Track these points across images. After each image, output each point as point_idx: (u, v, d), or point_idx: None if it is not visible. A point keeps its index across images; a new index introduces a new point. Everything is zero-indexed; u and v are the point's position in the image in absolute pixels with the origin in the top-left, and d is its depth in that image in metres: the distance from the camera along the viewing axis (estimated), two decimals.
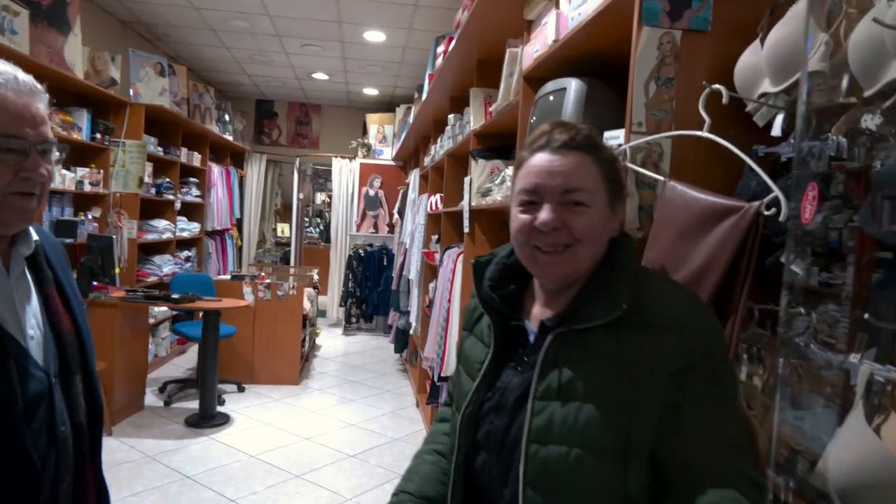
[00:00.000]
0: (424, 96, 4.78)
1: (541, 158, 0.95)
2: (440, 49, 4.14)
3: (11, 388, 0.93)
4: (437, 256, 4.22)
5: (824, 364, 0.89)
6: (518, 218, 0.95)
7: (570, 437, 0.87)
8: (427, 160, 5.29)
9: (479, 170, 2.92)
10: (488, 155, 2.91)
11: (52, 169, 1.02)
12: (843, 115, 1.00)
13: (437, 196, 4.48)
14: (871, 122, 0.99)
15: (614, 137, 1.60)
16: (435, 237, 4.60)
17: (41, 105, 0.99)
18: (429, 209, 4.76)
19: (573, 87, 1.85)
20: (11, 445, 0.92)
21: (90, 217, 4.75)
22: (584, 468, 0.85)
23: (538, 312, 1.00)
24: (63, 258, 1.17)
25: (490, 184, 2.72)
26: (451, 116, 3.85)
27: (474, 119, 3.07)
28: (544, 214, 0.91)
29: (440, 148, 4.41)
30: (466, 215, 3.15)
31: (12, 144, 0.93)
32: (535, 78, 2.18)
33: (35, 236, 1.07)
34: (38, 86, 1.00)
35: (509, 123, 2.68)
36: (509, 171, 2.48)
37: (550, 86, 2.02)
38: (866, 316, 0.81)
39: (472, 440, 1.00)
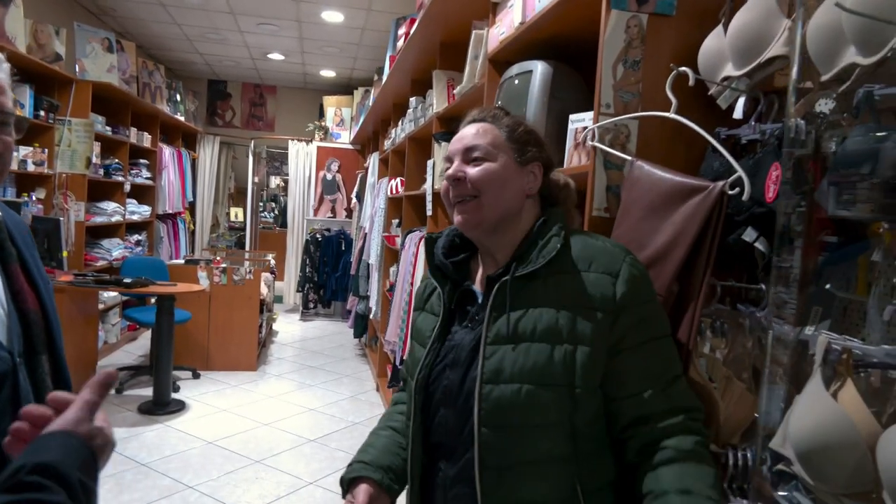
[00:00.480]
0: (384, 79, 4.73)
1: (458, 134, 1.14)
2: (401, 31, 4.10)
3: None
4: (398, 240, 4.21)
5: (780, 336, 0.93)
6: (443, 185, 1.12)
7: (521, 375, 0.97)
8: (387, 144, 5.25)
9: (442, 153, 2.91)
10: (451, 137, 2.90)
11: (12, 141, 0.97)
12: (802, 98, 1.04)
13: (398, 180, 4.45)
14: (824, 106, 1.03)
15: (580, 120, 1.62)
16: (396, 221, 4.58)
17: (1, 75, 0.94)
18: (389, 193, 4.73)
19: (539, 69, 1.87)
20: None
21: (34, 198, 4.54)
22: (534, 402, 0.96)
23: (483, 275, 1.12)
24: (27, 236, 1.13)
25: None
26: (412, 99, 3.83)
27: (437, 102, 3.06)
28: (449, 171, 1.09)
29: (401, 131, 4.38)
30: (430, 198, 3.14)
31: None
32: (501, 61, 2.18)
33: None
34: None
35: (474, 106, 2.68)
36: None
37: (516, 69, 2.03)
38: (828, 286, 0.85)
39: (427, 402, 1.08)
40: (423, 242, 3.28)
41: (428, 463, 1.09)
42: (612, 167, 1.33)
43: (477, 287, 1.12)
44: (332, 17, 5.60)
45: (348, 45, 6.54)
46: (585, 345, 0.97)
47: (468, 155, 1.08)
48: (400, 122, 4.44)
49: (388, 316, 4.19)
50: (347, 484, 1.14)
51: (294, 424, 4.07)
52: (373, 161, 5.92)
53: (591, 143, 1.33)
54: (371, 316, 5.35)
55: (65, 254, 4.21)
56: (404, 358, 1.30)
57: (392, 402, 1.33)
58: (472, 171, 1.06)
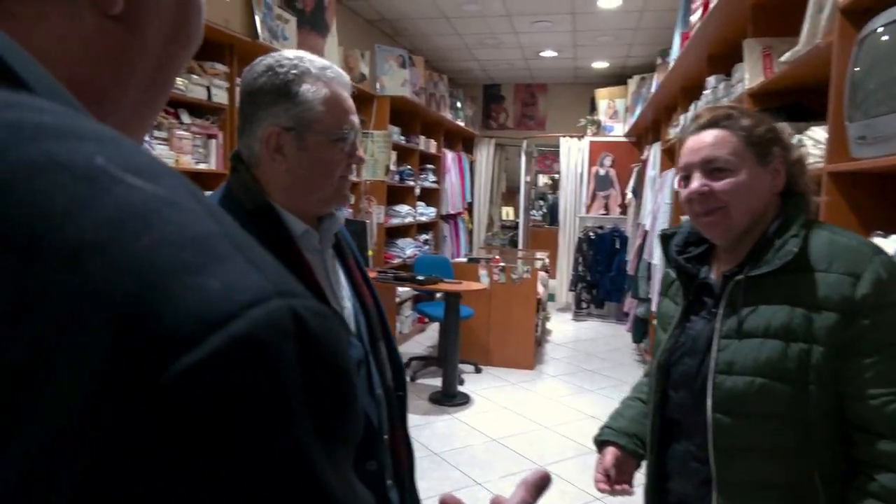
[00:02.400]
0: (672, 61, 4.30)
1: (690, 141, 1.15)
2: (695, 3, 3.65)
3: None
4: None
5: None
6: (681, 192, 1.17)
7: (754, 368, 1.03)
8: (672, 132, 4.78)
9: None
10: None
11: None
12: None
13: None
14: None
15: None
16: (684, 217, 4.12)
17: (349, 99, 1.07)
18: (676, 186, 4.28)
19: None
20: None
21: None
22: (766, 394, 1.02)
23: (720, 268, 1.18)
24: (349, 235, 1.24)
25: None
26: (710, 79, 3.36)
27: (750, 76, 2.59)
28: (693, 184, 1.12)
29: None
30: None
31: (346, 135, 1.03)
32: (859, 10, 1.70)
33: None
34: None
35: (806, 76, 2.19)
36: (812, 133, 2.01)
37: (885, 17, 1.56)
38: None
39: (666, 382, 1.20)
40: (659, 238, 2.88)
41: (665, 436, 1.21)
42: None
43: (714, 278, 1.18)
44: (609, 2, 5.32)
45: (624, 31, 6.18)
46: (820, 344, 1.00)
47: (708, 167, 1.11)
48: (692, 106, 3.98)
49: None
50: (599, 445, 1.33)
51: (575, 431, 3.93)
52: (653, 152, 5.48)
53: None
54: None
55: (370, 252, 4.71)
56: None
57: (644, 374, 1.45)
58: (718, 184, 1.09)
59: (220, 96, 3.39)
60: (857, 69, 1.67)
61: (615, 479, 1.27)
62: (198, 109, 3.34)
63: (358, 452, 0.99)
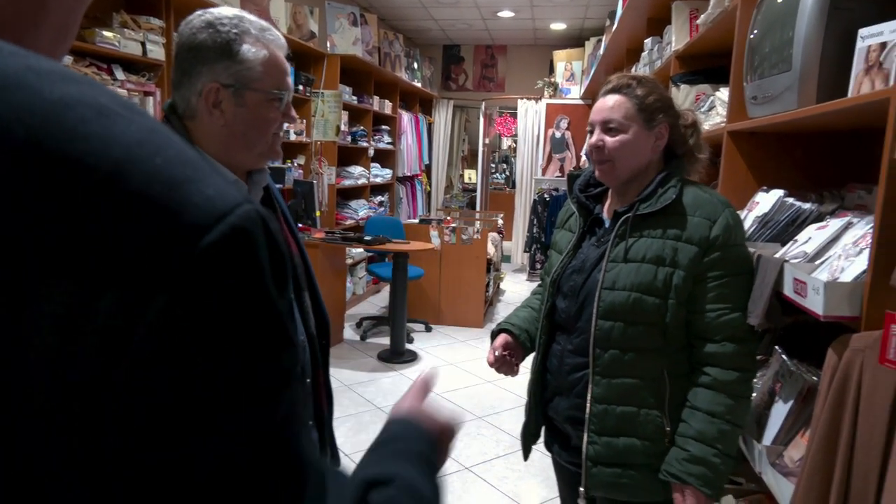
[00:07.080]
0: (616, 22, 4.33)
1: (598, 101, 1.41)
2: None
3: None
4: None
5: None
6: (587, 142, 1.44)
7: (631, 286, 1.32)
8: None
9: (681, 97, 2.54)
10: (693, 79, 2.51)
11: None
12: None
13: None
14: None
15: (875, 34, 1.23)
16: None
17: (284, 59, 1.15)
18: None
19: None
20: None
21: (296, 164, 5.15)
22: (637, 305, 1.32)
23: (609, 208, 1.46)
24: (279, 193, 1.33)
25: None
26: (647, 40, 3.42)
27: (676, 38, 2.66)
28: (592, 138, 1.40)
29: None
30: None
31: (282, 95, 1.11)
32: None
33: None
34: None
35: (721, 39, 2.26)
36: (719, 95, 2.10)
37: None
38: None
39: (556, 294, 1.48)
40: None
41: (549, 338, 1.50)
42: None
43: (605, 215, 1.47)
44: None
45: None
46: (682, 269, 1.30)
47: (605, 125, 1.37)
48: (633, 69, 4.04)
49: None
50: (495, 335, 1.58)
51: (516, 384, 4.06)
52: None
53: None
54: None
55: (318, 213, 4.72)
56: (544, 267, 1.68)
57: (531, 292, 1.75)
58: (609, 140, 1.36)
59: (157, 52, 3.31)
60: (756, 31, 1.75)
61: (503, 357, 1.53)
62: (133, 66, 3.27)
63: None
